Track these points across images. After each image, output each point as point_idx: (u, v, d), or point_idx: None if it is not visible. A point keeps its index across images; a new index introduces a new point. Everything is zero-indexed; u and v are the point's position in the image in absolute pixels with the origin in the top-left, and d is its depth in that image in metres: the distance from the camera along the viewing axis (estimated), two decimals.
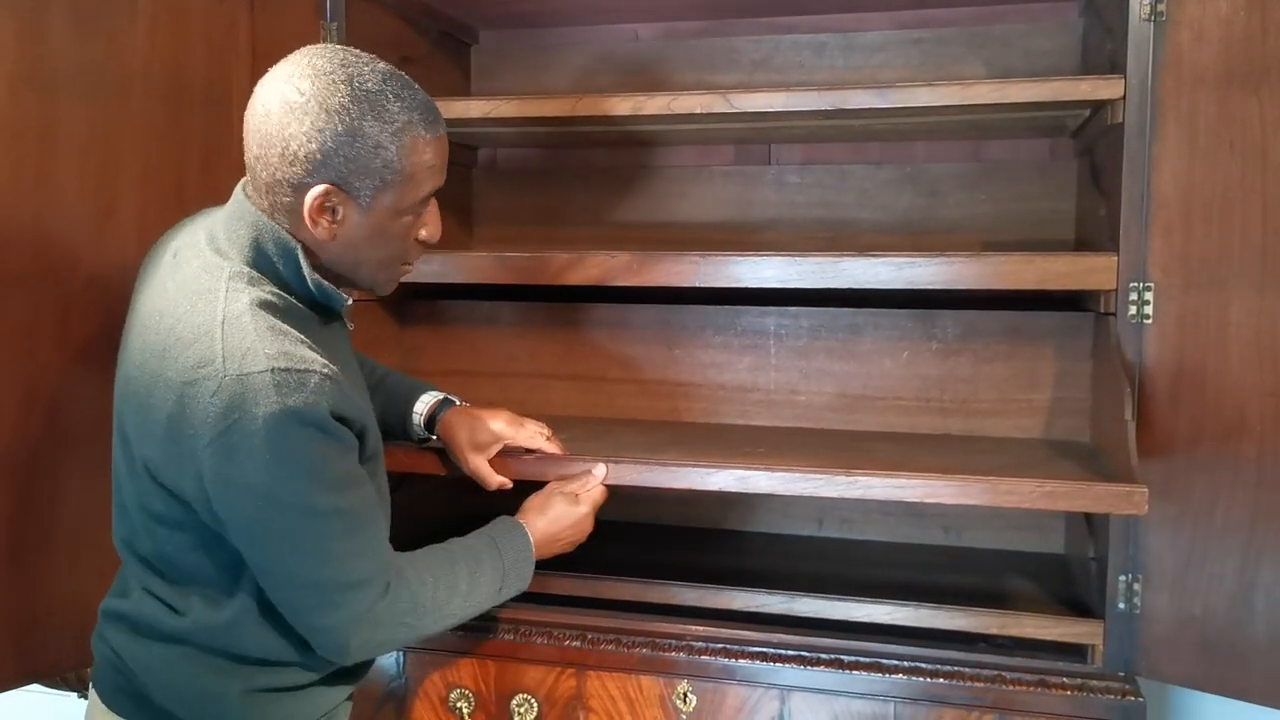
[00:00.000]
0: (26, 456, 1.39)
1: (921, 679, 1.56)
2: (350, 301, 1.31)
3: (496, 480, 1.58)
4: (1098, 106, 1.59)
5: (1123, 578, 1.52)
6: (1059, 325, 1.91)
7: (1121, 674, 1.53)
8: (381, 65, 1.22)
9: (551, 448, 1.61)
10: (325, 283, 1.25)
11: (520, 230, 2.26)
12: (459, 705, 1.71)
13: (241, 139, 1.23)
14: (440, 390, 1.64)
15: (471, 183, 2.28)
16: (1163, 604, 1.51)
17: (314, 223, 1.21)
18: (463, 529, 1.44)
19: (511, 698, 1.69)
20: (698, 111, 1.69)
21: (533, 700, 1.68)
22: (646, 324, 2.11)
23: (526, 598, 1.49)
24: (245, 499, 1.14)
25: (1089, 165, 1.83)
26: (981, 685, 1.54)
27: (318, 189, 1.19)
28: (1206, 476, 1.48)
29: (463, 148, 2.20)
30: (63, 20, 1.38)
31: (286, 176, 1.19)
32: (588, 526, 1.54)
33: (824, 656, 1.60)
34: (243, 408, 1.11)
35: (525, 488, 1.57)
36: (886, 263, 1.58)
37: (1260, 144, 1.42)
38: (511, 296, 2.16)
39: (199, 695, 1.27)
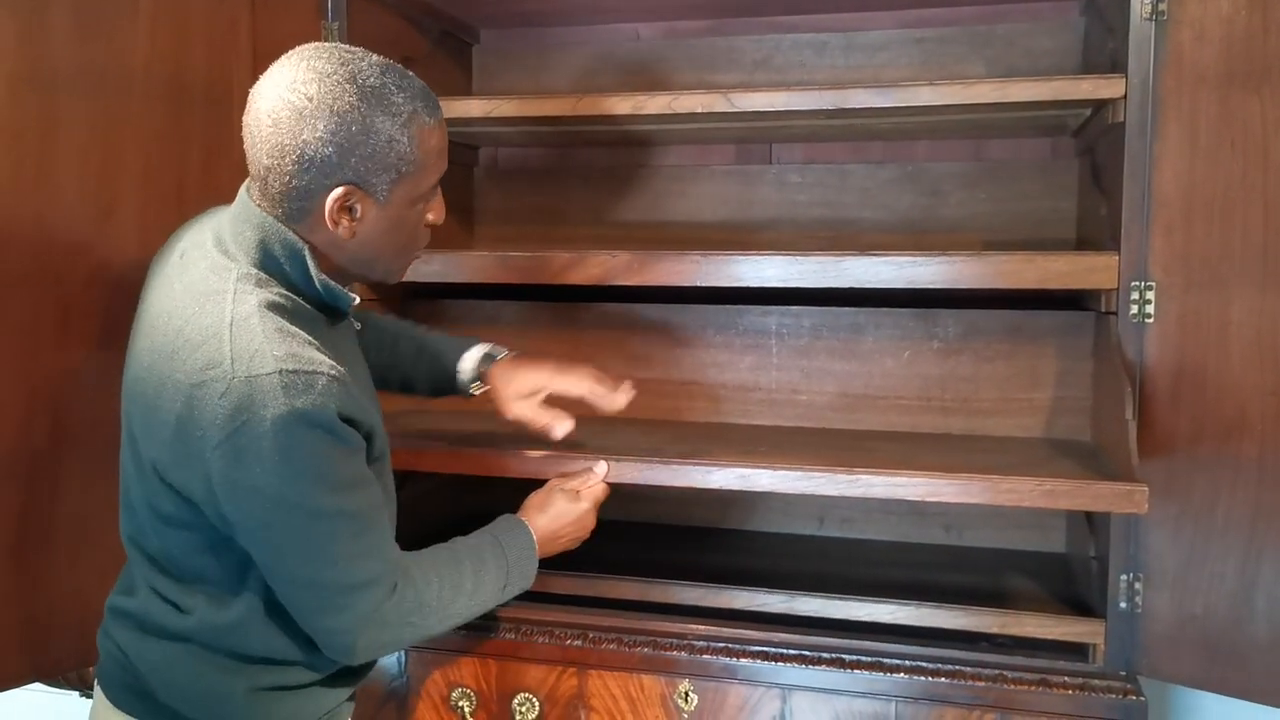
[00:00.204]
0: (27, 456, 1.39)
1: (923, 678, 1.56)
2: (357, 301, 1.32)
3: (543, 422, 1.57)
4: (1099, 106, 1.59)
5: (1124, 577, 1.52)
6: (1060, 324, 1.91)
7: (1123, 673, 1.53)
8: (376, 58, 1.22)
9: (603, 390, 1.59)
10: (332, 283, 1.25)
11: (521, 230, 2.26)
12: (460, 704, 1.71)
13: (242, 139, 1.23)
14: (486, 344, 1.63)
15: (473, 182, 2.28)
16: (1164, 603, 1.51)
17: (334, 223, 1.21)
18: (465, 527, 1.44)
19: (513, 697, 1.69)
20: (699, 111, 1.69)
21: (534, 699, 1.68)
22: (648, 323, 2.11)
23: (528, 597, 1.49)
24: (253, 501, 1.14)
25: (1090, 164, 1.83)
26: (983, 684, 1.54)
27: (337, 191, 1.19)
28: (1207, 475, 1.48)
29: (464, 147, 2.20)
30: (63, 20, 1.38)
31: (304, 183, 1.18)
32: (590, 523, 1.54)
33: (825, 656, 1.60)
34: (251, 409, 1.11)
35: (526, 486, 1.57)
36: (888, 262, 1.58)
37: (1261, 143, 1.42)
38: (513, 296, 2.16)
39: (204, 693, 1.27)
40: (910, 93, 1.60)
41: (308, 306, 1.24)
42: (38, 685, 1.58)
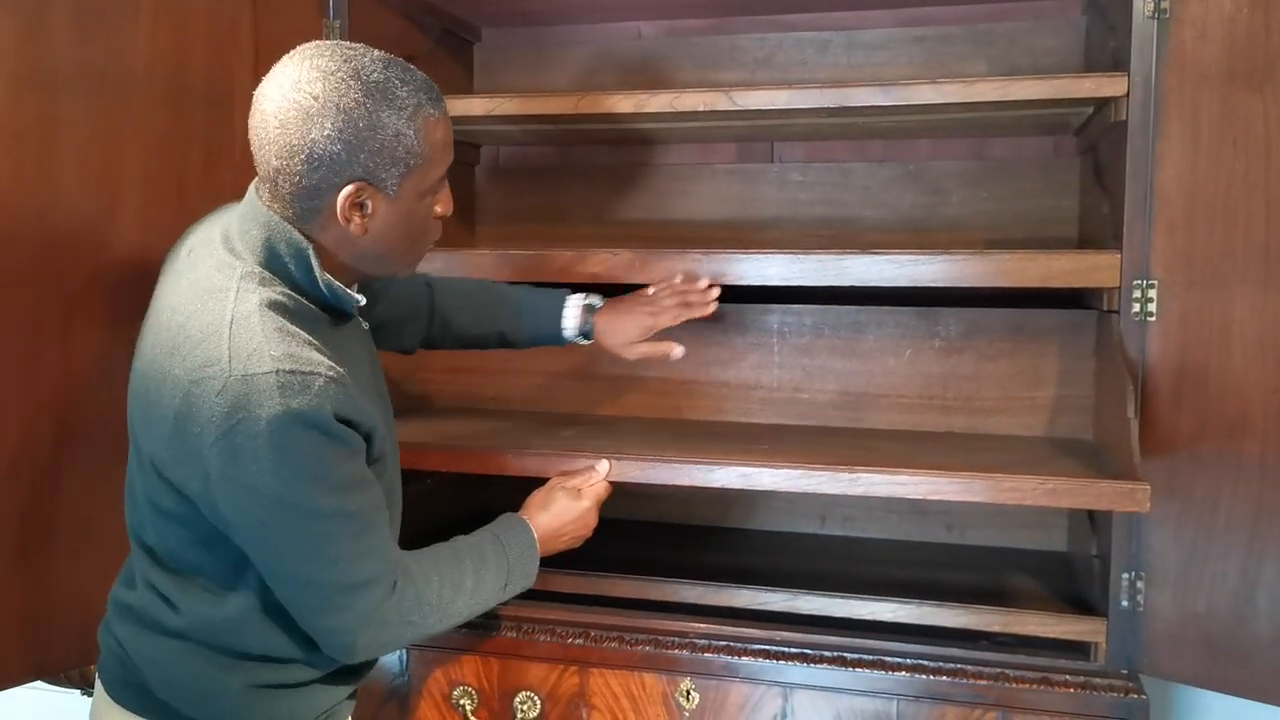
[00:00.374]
0: (29, 455, 1.39)
1: (924, 677, 1.56)
2: (363, 302, 1.31)
3: (661, 353, 1.64)
4: (1101, 104, 1.59)
5: (1125, 575, 1.52)
6: (1062, 323, 1.91)
7: (1124, 672, 1.53)
8: (377, 53, 1.22)
9: (694, 308, 1.63)
10: (336, 284, 1.25)
11: (523, 228, 2.26)
12: (462, 703, 1.71)
13: (243, 138, 1.23)
14: (578, 297, 1.65)
15: (474, 181, 2.28)
16: (1165, 602, 1.51)
17: (346, 220, 1.21)
18: (466, 526, 1.44)
19: (514, 695, 1.69)
20: (700, 109, 1.69)
21: (535, 698, 1.68)
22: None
23: (529, 595, 1.49)
24: (249, 500, 1.14)
25: (1092, 163, 1.83)
26: (984, 683, 1.54)
27: (348, 188, 1.19)
28: (1209, 474, 1.48)
29: (466, 146, 2.20)
30: (64, 20, 1.38)
31: (314, 182, 1.18)
32: (592, 521, 1.54)
33: (827, 654, 1.60)
34: (247, 408, 1.11)
35: (528, 485, 1.57)
36: (889, 260, 1.58)
37: (1264, 142, 1.42)
38: None
39: (199, 690, 1.27)
40: (912, 91, 1.60)
41: (312, 307, 1.24)
42: (39, 683, 1.58)
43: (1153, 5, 1.46)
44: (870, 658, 1.59)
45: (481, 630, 1.70)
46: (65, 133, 1.40)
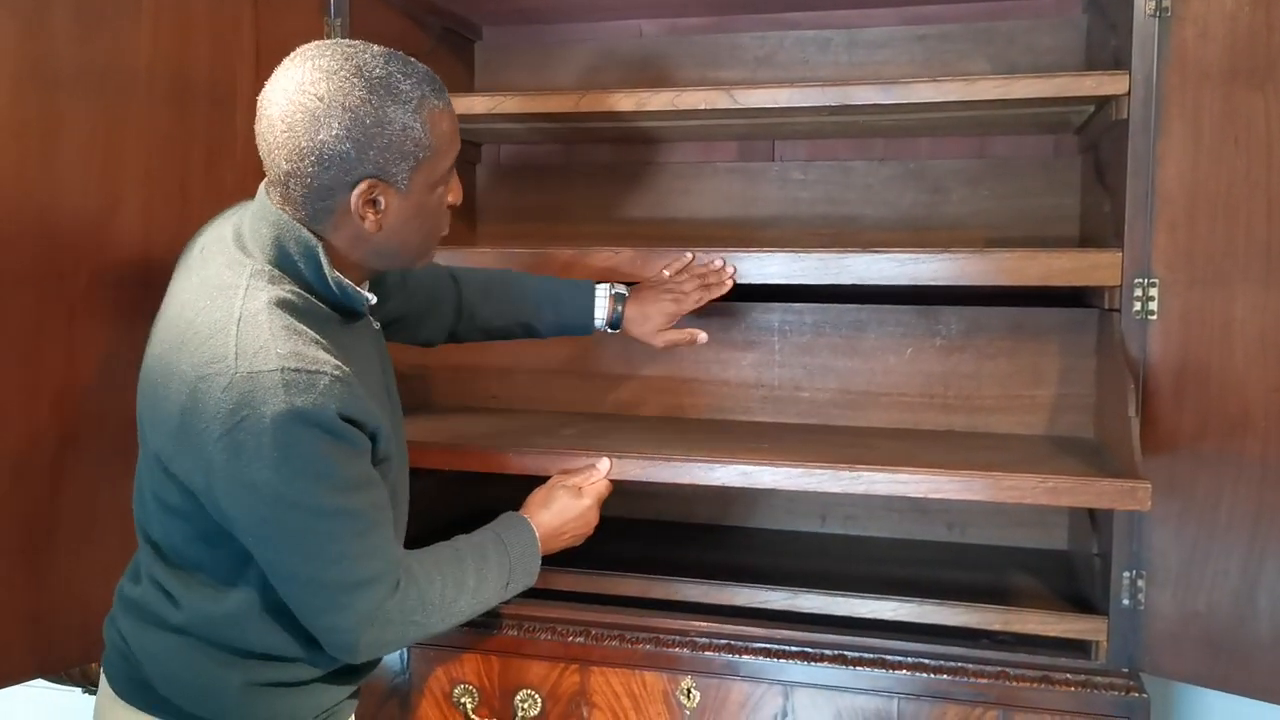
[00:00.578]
0: (31, 453, 1.39)
1: (925, 675, 1.56)
2: (373, 301, 1.31)
3: (688, 338, 1.67)
4: (1102, 103, 1.59)
5: (1126, 574, 1.52)
6: (1062, 321, 1.91)
7: (1125, 670, 1.53)
8: (377, 49, 1.22)
9: (714, 289, 1.64)
10: (346, 282, 1.25)
11: (524, 227, 2.26)
12: (463, 701, 1.71)
13: (245, 137, 1.23)
14: (605, 287, 1.65)
15: (475, 179, 2.28)
16: (1166, 600, 1.51)
17: (361, 217, 1.21)
18: (467, 525, 1.44)
19: (515, 693, 1.69)
20: (702, 107, 1.70)
21: (536, 696, 1.69)
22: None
23: (530, 593, 1.49)
24: (252, 497, 1.14)
25: (1093, 161, 1.83)
26: (985, 681, 1.54)
27: (360, 186, 1.19)
28: (1210, 473, 1.48)
29: (467, 144, 2.20)
30: (66, 19, 1.38)
31: (325, 182, 1.18)
32: (593, 519, 1.54)
33: (827, 652, 1.60)
34: (251, 405, 1.11)
35: (529, 483, 1.57)
36: (890, 259, 1.58)
37: (1265, 140, 1.42)
38: None
39: (200, 687, 1.27)
40: (913, 89, 1.60)
41: (321, 306, 1.24)
42: (40, 681, 1.58)
43: (1154, 3, 1.46)
44: (871, 656, 1.59)
45: (482, 628, 1.70)
46: (67, 132, 1.40)
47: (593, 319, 1.64)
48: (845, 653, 1.60)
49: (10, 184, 1.33)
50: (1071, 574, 1.81)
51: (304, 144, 1.17)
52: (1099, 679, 1.53)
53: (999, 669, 1.55)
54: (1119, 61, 1.55)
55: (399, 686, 1.74)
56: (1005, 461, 1.60)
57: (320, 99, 1.16)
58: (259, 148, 1.22)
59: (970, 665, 1.56)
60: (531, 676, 1.69)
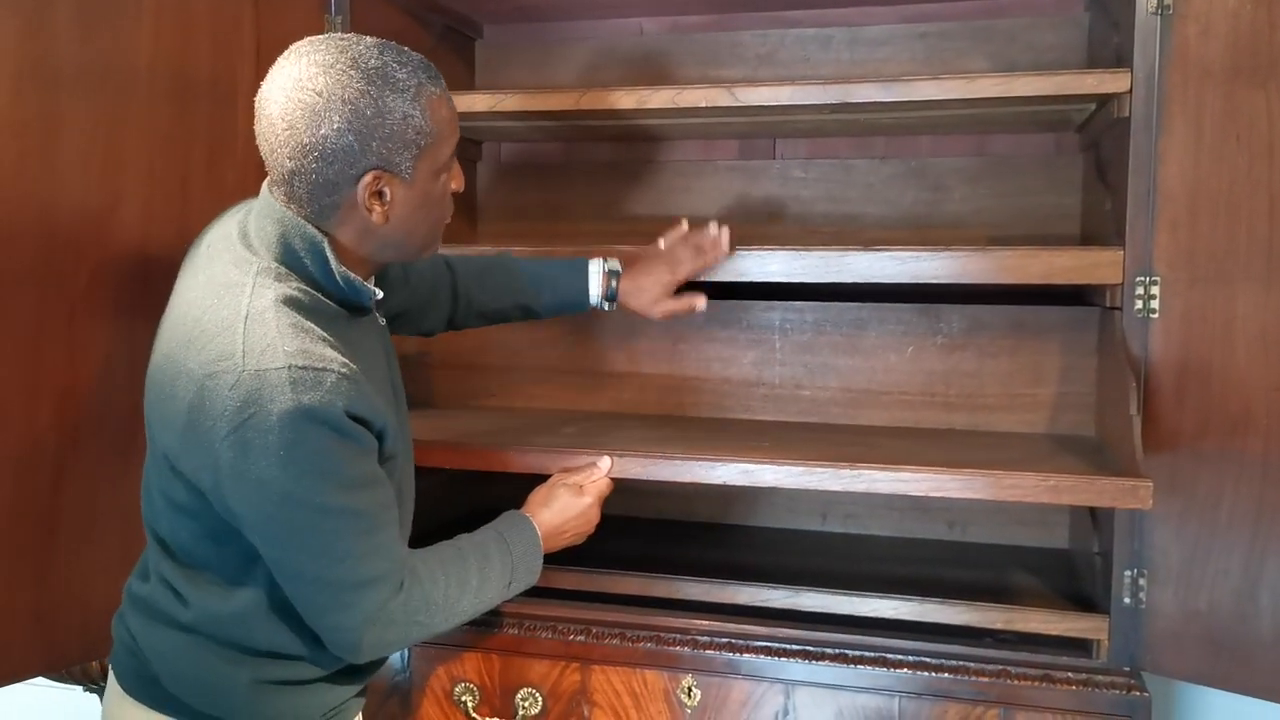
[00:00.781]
0: (32, 452, 1.39)
1: (926, 674, 1.56)
2: (380, 295, 1.31)
3: (686, 306, 1.65)
4: (1104, 101, 1.59)
5: (1128, 573, 1.52)
6: (1064, 320, 1.90)
7: (1126, 669, 1.53)
8: (371, 40, 1.22)
9: (707, 257, 1.63)
10: (353, 276, 1.25)
11: (525, 224, 2.25)
12: (464, 699, 1.71)
13: (246, 135, 1.23)
14: (598, 263, 1.64)
15: (476, 178, 2.28)
16: (1168, 599, 1.51)
17: (368, 210, 1.21)
18: (468, 523, 1.44)
19: (516, 692, 1.69)
20: (703, 105, 1.69)
21: (537, 694, 1.69)
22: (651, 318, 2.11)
23: (531, 592, 1.48)
24: (259, 494, 1.14)
25: (1094, 160, 1.82)
26: (986, 680, 1.54)
27: (365, 178, 1.19)
28: (1212, 471, 1.48)
29: (467, 142, 2.20)
30: (67, 17, 1.38)
31: (330, 177, 1.18)
32: (594, 517, 1.54)
33: (829, 651, 1.60)
34: (259, 403, 1.11)
35: (530, 481, 1.57)
36: (892, 257, 1.57)
37: (1267, 138, 1.42)
38: None
39: (207, 684, 1.27)
40: (914, 87, 1.60)
41: (328, 302, 1.24)
42: (41, 679, 1.58)
43: (1156, 1, 1.45)
44: (872, 655, 1.59)
45: (483, 627, 1.70)
46: (68, 130, 1.40)
47: (588, 296, 1.63)
48: (846, 651, 1.60)
49: (11, 182, 1.33)
50: (1072, 573, 1.81)
51: (306, 140, 1.17)
52: (1100, 678, 1.52)
53: (1000, 667, 1.55)
54: (1120, 59, 1.55)
55: (400, 685, 1.74)
56: (1006, 460, 1.60)
57: (319, 94, 1.16)
58: (260, 148, 1.22)
59: (971, 664, 1.56)
60: (532, 675, 1.69)
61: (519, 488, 1.56)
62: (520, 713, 1.69)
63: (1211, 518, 1.48)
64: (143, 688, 1.30)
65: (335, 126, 1.16)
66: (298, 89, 1.17)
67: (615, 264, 1.64)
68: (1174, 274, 1.48)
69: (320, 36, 1.22)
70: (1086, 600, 1.65)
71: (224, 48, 1.62)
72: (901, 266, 1.57)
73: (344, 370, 1.15)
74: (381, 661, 1.41)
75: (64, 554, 1.44)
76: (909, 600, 1.58)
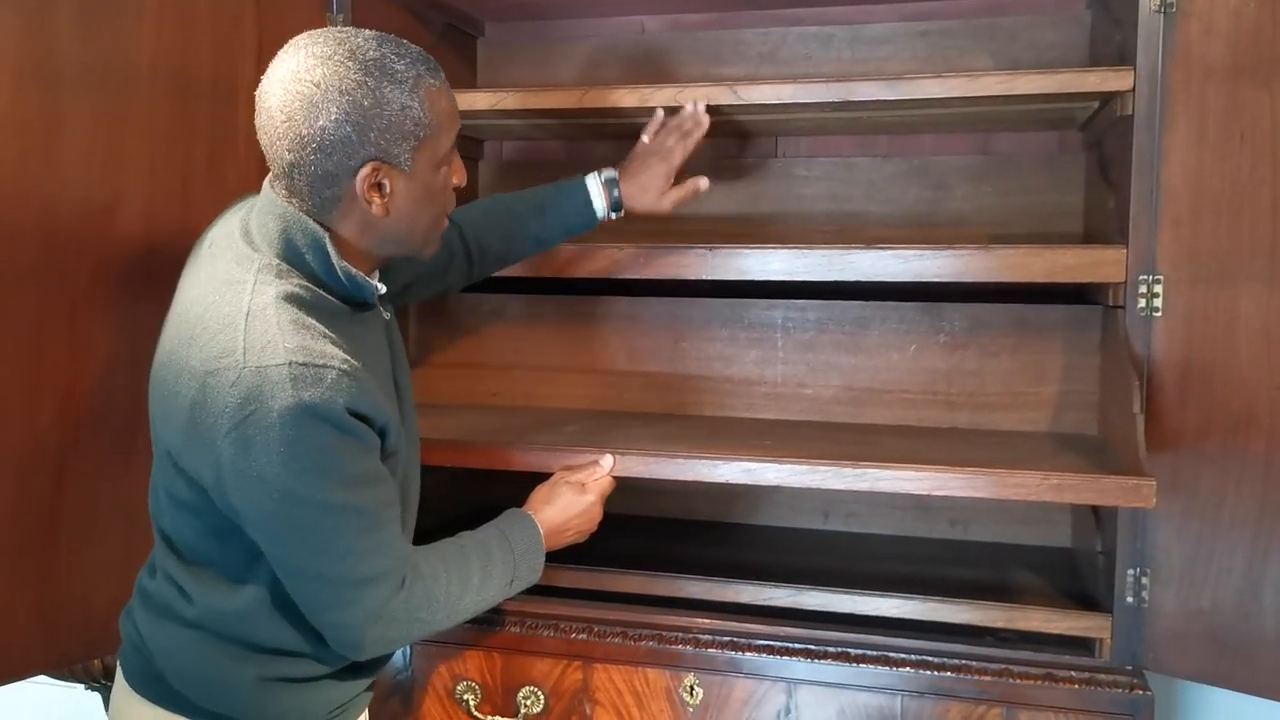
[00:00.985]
0: (34, 451, 1.39)
1: (928, 672, 1.56)
2: (383, 290, 1.31)
3: (689, 191, 1.67)
4: (1107, 99, 1.59)
5: (1130, 571, 1.52)
6: (1066, 318, 1.90)
7: (1129, 668, 1.53)
8: (369, 32, 1.22)
9: (690, 134, 1.66)
10: (355, 271, 1.24)
11: None
12: (465, 698, 1.71)
13: (247, 133, 1.23)
14: (595, 176, 1.63)
15: (478, 175, 2.28)
16: (1170, 598, 1.51)
17: (368, 202, 1.21)
18: (470, 521, 1.44)
19: (518, 690, 1.69)
20: (705, 103, 1.69)
21: (539, 693, 1.69)
22: (653, 317, 2.11)
23: (533, 590, 1.48)
24: (260, 491, 1.14)
25: (1097, 158, 1.82)
26: (989, 679, 1.54)
27: (364, 170, 1.19)
28: (1214, 470, 1.48)
29: (469, 140, 2.20)
30: (68, 15, 1.38)
31: (329, 169, 1.18)
32: (596, 515, 1.54)
33: (831, 650, 1.60)
34: (259, 400, 1.11)
35: (532, 479, 1.57)
36: (895, 255, 1.57)
37: (1270, 137, 1.41)
38: (518, 289, 2.16)
39: (212, 681, 1.27)
40: (916, 85, 1.59)
41: (330, 299, 1.24)
42: (43, 677, 1.58)
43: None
44: (874, 653, 1.59)
45: (485, 625, 1.70)
46: (69, 128, 1.39)
47: (594, 210, 1.62)
48: (848, 650, 1.60)
49: (12, 180, 1.33)
50: (1075, 571, 1.81)
51: (304, 132, 1.17)
52: (1103, 676, 1.52)
53: (1002, 666, 1.55)
54: (1123, 57, 1.55)
55: (402, 683, 1.74)
56: (1009, 459, 1.60)
57: (316, 85, 1.16)
58: (260, 141, 1.22)
59: (974, 663, 1.56)
60: (534, 673, 1.69)
61: (521, 486, 1.56)
62: (522, 711, 1.69)
63: (1214, 516, 1.48)
64: (149, 684, 1.30)
65: (333, 118, 1.16)
66: (295, 81, 1.17)
67: (611, 172, 1.63)
68: (1177, 272, 1.48)
69: (320, 30, 1.22)
70: (1089, 599, 1.65)
71: (225, 46, 1.62)
72: (904, 265, 1.57)
73: (345, 367, 1.15)
74: (387, 658, 1.41)
75: (66, 552, 1.44)
76: (911, 599, 1.58)
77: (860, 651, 1.60)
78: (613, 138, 2.18)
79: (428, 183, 1.25)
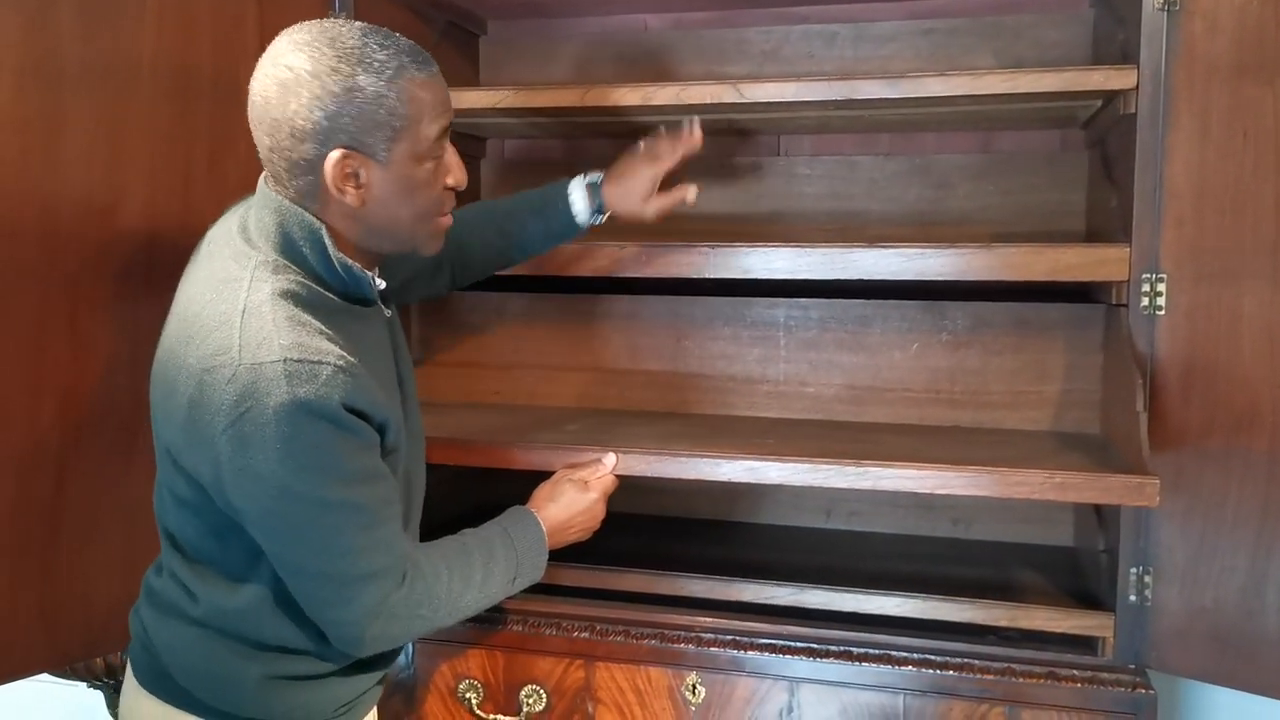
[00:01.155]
0: (35, 449, 1.39)
1: (931, 671, 1.56)
2: (382, 286, 1.31)
3: (677, 199, 1.62)
4: (1110, 97, 1.58)
5: (1133, 570, 1.52)
6: (1068, 317, 1.90)
7: (1132, 666, 1.53)
8: (359, 24, 1.22)
9: (684, 143, 1.61)
10: (352, 263, 1.24)
11: None
12: (468, 696, 1.71)
13: (248, 133, 1.22)
14: (579, 180, 1.61)
15: (480, 174, 2.28)
16: (1173, 596, 1.51)
17: (341, 192, 1.20)
18: (472, 520, 1.43)
19: (520, 689, 1.69)
20: (707, 102, 1.69)
21: (541, 691, 1.68)
22: (655, 315, 2.11)
23: (535, 589, 1.48)
24: (258, 488, 1.14)
25: (1100, 156, 1.82)
26: (991, 677, 1.54)
27: (333, 156, 1.18)
28: (1217, 469, 1.48)
29: (471, 138, 2.20)
30: (69, 14, 1.38)
31: (302, 155, 1.18)
32: (599, 513, 1.54)
33: (833, 648, 1.60)
34: (255, 397, 1.11)
35: (534, 478, 1.57)
36: (898, 254, 1.57)
37: (1274, 135, 1.41)
38: (520, 288, 2.16)
39: (217, 678, 1.27)
40: (920, 84, 1.59)
41: (329, 296, 1.23)
42: (45, 676, 1.58)
43: None
44: (877, 652, 1.59)
45: (487, 624, 1.70)
46: (70, 126, 1.39)
47: (575, 216, 1.59)
48: (851, 648, 1.60)
49: (13, 179, 1.32)
50: (1077, 570, 1.80)
51: (277, 115, 1.17)
52: (1105, 675, 1.52)
53: (1005, 665, 1.55)
54: (1127, 56, 1.54)
55: (404, 681, 1.74)
56: (1012, 457, 1.60)
57: (291, 69, 1.17)
58: (251, 128, 1.23)
59: (976, 661, 1.56)
60: (537, 672, 1.69)
61: (523, 485, 1.56)
62: (524, 710, 1.69)
63: (1217, 515, 1.48)
64: (157, 682, 1.30)
65: (304, 102, 1.16)
66: (274, 65, 1.18)
67: (596, 175, 1.61)
68: (1180, 271, 1.48)
69: (311, 20, 1.22)
70: (1091, 598, 1.64)
71: (226, 44, 1.62)
72: (906, 263, 1.57)
73: (341, 363, 1.15)
74: (394, 655, 1.41)
75: (67, 552, 1.44)
76: (913, 598, 1.58)
77: (863, 650, 1.60)
78: (615, 136, 2.18)
79: (407, 176, 1.23)
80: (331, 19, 1.23)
